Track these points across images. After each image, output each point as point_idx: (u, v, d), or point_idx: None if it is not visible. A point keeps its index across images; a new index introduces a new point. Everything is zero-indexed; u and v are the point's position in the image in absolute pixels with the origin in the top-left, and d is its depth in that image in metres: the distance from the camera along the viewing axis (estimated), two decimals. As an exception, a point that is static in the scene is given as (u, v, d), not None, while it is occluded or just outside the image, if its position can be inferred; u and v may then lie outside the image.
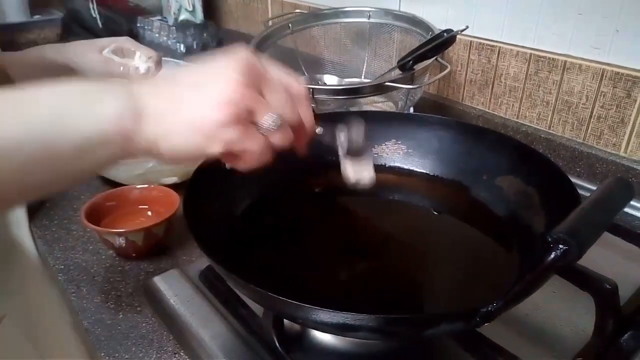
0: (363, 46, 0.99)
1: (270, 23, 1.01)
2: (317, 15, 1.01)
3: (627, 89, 0.68)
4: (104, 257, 0.60)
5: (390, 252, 0.53)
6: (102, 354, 0.47)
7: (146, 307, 0.53)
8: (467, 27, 0.76)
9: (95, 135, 0.32)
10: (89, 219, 0.58)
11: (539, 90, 0.79)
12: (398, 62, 0.75)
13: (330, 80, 1.00)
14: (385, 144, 0.66)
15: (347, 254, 0.53)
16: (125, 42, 0.73)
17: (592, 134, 0.74)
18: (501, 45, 0.82)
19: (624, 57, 0.68)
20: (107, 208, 0.62)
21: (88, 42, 0.72)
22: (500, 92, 0.85)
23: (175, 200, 0.61)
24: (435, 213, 0.59)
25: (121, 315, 0.51)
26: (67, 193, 0.73)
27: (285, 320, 0.43)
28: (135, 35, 1.58)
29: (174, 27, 1.45)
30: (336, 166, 0.65)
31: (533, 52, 0.78)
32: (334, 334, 0.44)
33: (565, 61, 0.74)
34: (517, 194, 0.55)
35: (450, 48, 0.86)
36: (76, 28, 1.55)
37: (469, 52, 0.87)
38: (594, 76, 0.72)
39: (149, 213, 0.64)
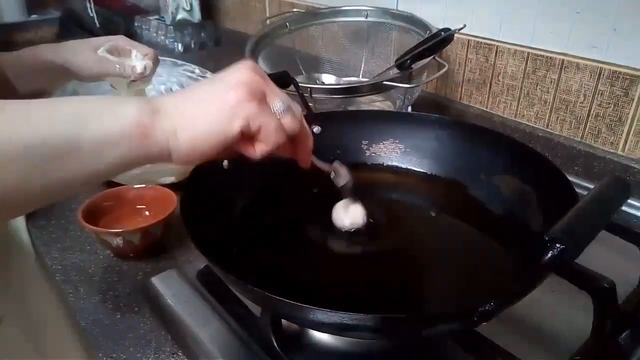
0: (361, 45, 0.99)
1: (268, 22, 1.01)
2: (314, 15, 1.00)
3: (625, 88, 0.69)
4: (101, 257, 0.60)
5: (388, 252, 0.53)
6: (100, 355, 0.47)
7: (144, 307, 0.52)
8: (465, 25, 0.76)
9: (114, 131, 0.34)
10: (86, 219, 0.57)
11: (536, 89, 0.79)
12: (396, 61, 0.75)
13: (328, 79, 1.00)
14: (383, 143, 0.66)
15: (345, 254, 0.53)
16: (120, 40, 0.73)
17: (590, 133, 0.74)
18: (499, 44, 0.82)
19: (621, 56, 0.68)
20: (105, 208, 0.62)
21: (83, 42, 0.72)
22: (498, 90, 0.85)
23: (172, 200, 0.61)
24: (432, 212, 0.59)
25: (119, 316, 0.51)
26: (65, 193, 0.73)
27: (283, 320, 0.43)
28: (132, 35, 1.58)
29: (172, 27, 1.45)
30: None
31: (531, 50, 0.78)
32: (332, 334, 0.44)
33: (563, 60, 0.74)
34: (515, 193, 0.55)
35: (448, 47, 0.86)
36: (73, 27, 1.55)
37: (467, 51, 0.87)
38: (591, 75, 0.72)
39: (147, 213, 0.64)
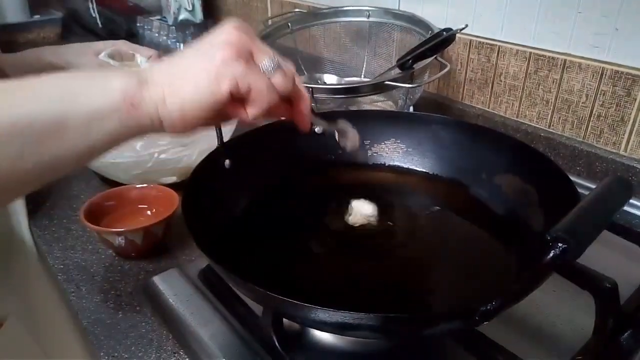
0: (363, 45, 0.99)
1: (269, 22, 1.01)
2: (316, 15, 1.00)
3: (627, 88, 0.68)
4: (103, 256, 0.60)
5: (389, 251, 0.53)
6: (102, 354, 0.47)
7: (146, 306, 0.52)
8: (467, 25, 0.76)
9: (103, 105, 0.33)
10: (88, 218, 0.58)
11: (538, 89, 0.79)
12: (397, 61, 0.75)
13: (330, 79, 1.00)
14: (385, 143, 0.66)
15: (346, 253, 0.53)
16: (122, 45, 0.73)
17: (592, 133, 0.74)
18: (501, 44, 0.82)
19: (623, 56, 0.68)
20: (107, 208, 0.62)
21: (85, 45, 0.73)
22: (500, 91, 0.85)
23: (174, 200, 0.61)
24: (434, 212, 0.59)
25: (120, 315, 0.51)
26: (67, 192, 0.74)
27: (284, 320, 0.43)
28: (134, 35, 1.58)
29: (174, 27, 1.45)
30: (335, 166, 0.66)
31: (533, 50, 0.78)
32: (333, 333, 0.44)
33: (565, 60, 0.74)
34: (516, 193, 0.55)
35: (450, 47, 0.86)
36: (76, 28, 1.55)
37: (469, 51, 0.87)
38: (593, 75, 0.71)
39: (149, 212, 0.64)
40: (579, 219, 0.32)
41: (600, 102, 0.72)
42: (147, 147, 0.66)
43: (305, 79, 0.98)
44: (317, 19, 1.00)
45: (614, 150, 0.72)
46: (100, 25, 1.51)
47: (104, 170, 0.72)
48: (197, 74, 0.35)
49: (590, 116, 0.74)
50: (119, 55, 0.73)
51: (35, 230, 0.66)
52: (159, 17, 1.53)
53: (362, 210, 0.58)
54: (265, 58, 0.37)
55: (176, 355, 0.47)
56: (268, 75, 0.37)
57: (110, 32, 1.53)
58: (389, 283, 0.49)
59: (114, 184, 0.70)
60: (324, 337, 0.46)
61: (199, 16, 1.48)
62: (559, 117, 0.78)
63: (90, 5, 1.48)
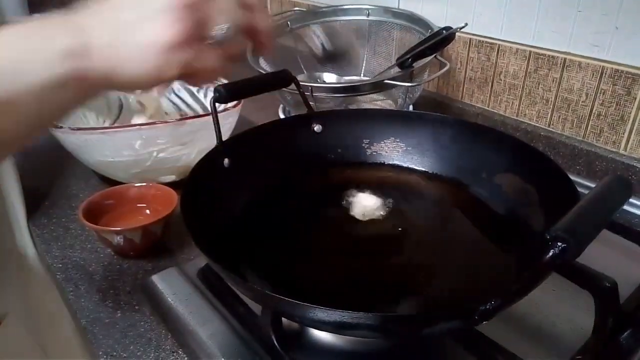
0: (362, 44, 0.99)
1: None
2: (315, 13, 1.00)
3: (627, 87, 0.68)
4: (102, 255, 0.60)
5: (388, 250, 0.53)
6: (100, 353, 0.47)
7: (144, 305, 0.52)
8: (466, 24, 0.76)
9: (50, 81, 0.32)
10: (87, 217, 0.57)
11: (538, 88, 0.79)
12: (397, 59, 0.75)
13: (330, 78, 1.00)
14: (384, 142, 0.66)
15: (346, 253, 0.53)
16: None
17: (592, 132, 0.74)
18: (501, 42, 0.82)
19: (623, 55, 0.68)
20: (105, 206, 0.62)
21: None
22: (500, 89, 0.85)
23: (173, 199, 0.61)
24: (433, 211, 0.59)
25: (119, 314, 0.51)
26: (66, 191, 0.73)
27: (283, 319, 0.43)
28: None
29: (173, 25, 1.45)
30: (334, 165, 0.66)
31: (532, 49, 0.78)
32: (332, 333, 0.44)
33: (565, 59, 0.74)
34: (516, 192, 0.55)
35: (450, 46, 0.86)
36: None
37: (469, 50, 0.87)
38: (593, 74, 0.71)
39: (147, 211, 0.64)
40: (578, 219, 0.32)
41: (600, 101, 0.72)
42: (146, 146, 0.65)
43: (305, 78, 0.98)
44: (317, 18, 1.00)
45: (614, 149, 0.72)
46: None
47: (103, 169, 0.72)
48: (142, 55, 0.33)
49: (590, 115, 0.74)
50: None
51: (34, 229, 0.66)
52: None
53: (365, 203, 0.58)
54: (218, 28, 0.35)
55: (175, 354, 0.46)
56: (220, 45, 0.36)
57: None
58: (388, 282, 0.49)
59: (113, 182, 0.70)
60: (323, 336, 0.46)
61: (198, 15, 1.47)
62: (559, 116, 0.77)
63: (90, 4, 1.48)
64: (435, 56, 0.75)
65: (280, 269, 0.51)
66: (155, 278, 0.54)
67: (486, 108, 0.88)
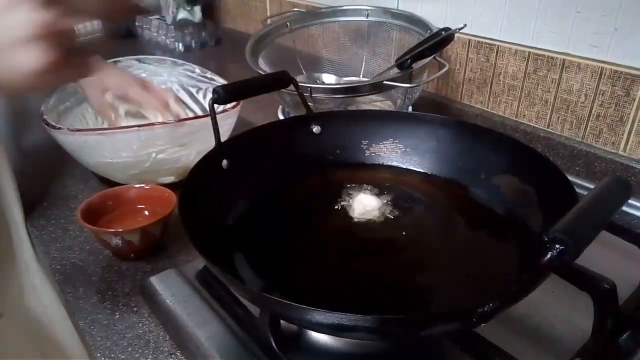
0: (361, 45, 0.99)
1: (268, 21, 1.01)
2: (315, 14, 1.00)
3: (626, 88, 0.68)
4: (100, 257, 0.60)
5: (387, 252, 0.53)
6: (98, 355, 0.46)
7: (143, 307, 0.52)
8: (465, 25, 0.76)
9: None
10: (85, 218, 0.57)
11: (537, 89, 0.79)
12: (396, 60, 0.75)
13: (329, 79, 1.00)
14: (383, 143, 0.66)
15: (344, 254, 0.53)
16: (131, 87, 0.71)
17: (591, 133, 0.74)
18: (500, 43, 0.82)
19: (622, 56, 0.68)
20: (104, 208, 0.62)
21: (97, 78, 0.71)
22: (499, 90, 0.85)
23: (172, 200, 0.60)
24: (432, 212, 0.59)
25: (117, 316, 0.51)
26: (64, 192, 0.73)
27: (282, 321, 0.43)
28: (133, 35, 1.58)
29: (172, 26, 1.45)
30: (333, 166, 0.66)
31: (532, 50, 0.78)
32: (330, 335, 0.44)
33: (564, 59, 0.74)
34: (515, 193, 0.55)
35: (449, 47, 0.86)
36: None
37: (468, 51, 0.87)
38: (592, 74, 0.71)
39: (146, 212, 0.64)
40: (576, 220, 0.32)
41: (599, 102, 0.72)
42: (144, 147, 0.65)
43: (304, 79, 0.98)
44: (316, 19, 1.00)
45: (613, 150, 0.72)
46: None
47: (102, 170, 0.72)
48: (18, 75, 0.34)
49: (589, 116, 0.74)
50: (126, 99, 0.72)
51: (32, 230, 0.65)
52: (157, 16, 1.53)
53: (364, 204, 0.58)
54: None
55: (173, 356, 0.46)
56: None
57: (108, 32, 1.52)
58: (387, 283, 0.49)
59: (112, 184, 0.70)
60: (321, 338, 0.45)
61: (197, 16, 1.48)
62: (558, 117, 0.77)
63: (89, 5, 1.48)
64: (434, 57, 0.75)
65: (278, 270, 0.51)
66: (154, 279, 0.54)
67: (485, 109, 0.88)
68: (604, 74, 0.70)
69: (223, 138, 0.58)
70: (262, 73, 0.80)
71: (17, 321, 0.56)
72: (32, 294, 0.60)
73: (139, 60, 0.93)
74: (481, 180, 0.59)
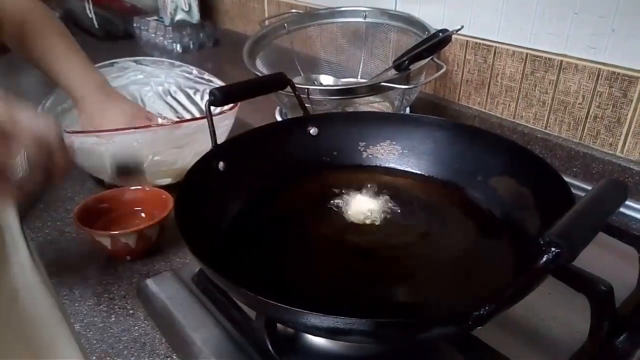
0: (359, 46, 0.99)
1: (266, 23, 1.00)
2: (313, 15, 1.00)
3: (624, 89, 0.68)
4: (97, 259, 0.60)
5: (384, 254, 0.53)
6: (94, 358, 0.46)
7: (139, 309, 0.52)
8: (462, 27, 0.76)
9: None
10: (81, 220, 0.57)
11: (535, 90, 0.79)
12: (394, 62, 0.75)
13: (327, 80, 1.00)
14: (380, 145, 0.66)
15: (341, 256, 0.53)
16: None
17: (589, 134, 0.74)
18: (497, 45, 0.82)
19: (620, 57, 0.68)
20: (101, 210, 0.62)
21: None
22: (497, 92, 0.84)
23: (168, 202, 0.60)
24: (429, 214, 0.59)
25: (113, 318, 0.51)
26: (61, 194, 0.73)
27: (278, 324, 0.43)
28: (131, 36, 1.57)
29: (170, 27, 1.45)
30: (330, 168, 0.66)
31: (529, 51, 0.78)
32: (326, 338, 0.44)
33: (562, 61, 0.74)
34: (512, 195, 0.55)
35: (447, 48, 0.86)
36: (72, 28, 1.54)
37: (465, 52, 0.87)
38: (590, 76, 0.71)
39: (143, 215, 0.64)
40: (572, 223, 0.32)
41: (597, 104, 0.72)
42: (142, 149, 0.65)
43: (302, 80, 0.98)
44: (314, 20, 1.00)
45: (611, 152, 0.72)
46: (96, 26, 1.51)
47: (99, 172, 0.72)
48: None
49: (586, 117, 0.73)
50: None
51: (28, 232, 0.65)
52: (155, 17, 1.53)
53: (361, 206, 0.58)
54: (14, 169, 0.40)
55: (169, 359, 0.46)
56: (17, 180, 0.41)
57: (107, 33, 1.53)
58: (384, 286, 0.48)
59: (108, 186, 0.70)
60: (318, 341, 0.45)
61: (195, 17, 1.48)
62: (556, 118, 0.77)
63: (87, 6, 1.48)
64: (432, 58, 0.75)
65: (274, 272, 0.50)
66: (150, 282, 0.53)
67: (483, 110, 0.88)
68: (602, 75, 0.70)
69: (221, 139, 0.58)
70: (260, 74, 0.80)
71: (10, 323, 0.56)
72: (26, 297, 0.59)
73: (136, 62, 0.93)
74: (478, 182, 0.59)
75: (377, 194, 0.61)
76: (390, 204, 0.59)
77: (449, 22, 0.88)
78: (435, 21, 0.87)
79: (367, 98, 0.82)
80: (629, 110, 0.69)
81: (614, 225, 0.56)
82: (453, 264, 0.51)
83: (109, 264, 0.59)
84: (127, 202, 0.64)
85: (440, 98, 0.95)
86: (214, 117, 0.56)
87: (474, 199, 0.58)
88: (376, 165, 0.66)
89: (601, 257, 0.55)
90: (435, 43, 0.73)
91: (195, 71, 0.92)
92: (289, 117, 0.86)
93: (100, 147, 0.65)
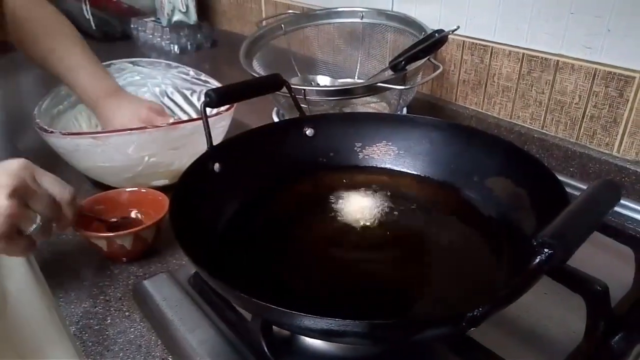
0: (356, 46, 0.99)
1: (263, 23, 1.00)
2: (310, 16, 1.00)
3: (620, 89, 0.68)
4: (93, 261, 0.60)
5: (380, 255, 0.53)
6: (89, 360, 0.46)
7: (135, 312, 0.52)
8: (458, 27, 0.76)
9: None
10: (78, 222, 0.57)
11: (531, 90, 0.79)
12: (390, 62, 0.75)
13: (324, 81, 1.00)
14: (377, 146, 0.66)
15: (337, 257, 0.53)
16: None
17: (585, 134, 0.74)
18: (494, 45, 0.82)
19: (616, 57, 0.68)
20: (97, 211, 0.62)
21: (109, 120, 0.74)
22: (494, 92, 0.84)
23: (165, 203, 0.60)
24: (425, 214, 0.59)
25: (109, 321, 0.51)
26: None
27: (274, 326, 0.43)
28: (129, 37, 1.57)
29: (168, 28, 1.45)
30: (326, 169, 0.66)
31: (526, 51, 0.78)
32: (321, 340, 0.44)
33: (558, 61, 0.74)
34: (508, 196, 0.55)
35: (444, 48, 0.86)
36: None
37: (462, 52, 0.87)
38: (586, 76, 0.71)
39: (140, 216, 0.64)
40: (565, 224, 0.32)
41: (593, 103, 0.72)
42: (138, 151, 0.65)
43: (299, 81, 0.98)
44: (311, 20, 1.00)
45: (607, 152, 0.72)
46: (94, 27, 1.51)
47: (95, 174, 0.72)
48: None
49: (583, 117, 0.74)
50: None
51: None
52: (153, 18, 1.52)
53: (357, 206, 0.58)
54: (30, 225, 0.46)
55: (164, 361, 0.46)
56: (31, 234, 0.47)
57: (104, 34, 1.52)
58: (379, 286, 0.48)
59: (106, 187, 0.69)
60: (313, 342, 0.45)
61: (193, 17, 1.48)
62: (552, 118, 0.77)
63: (84, 7, 1.48)
64: (428, 59, 0.75)
65: (270, 274, 0.50)
66: (146, 284, 0.53)
67: (480, 110, 0.88)
68: (598, 75, 0.70)
69: (217, 140, 0.58)
70: (257, 75, 0.80)
71: (6, 326, 0.56)
72: (18, 298, 0.59)
73: (132, 63, 0.93)
74: (474, 183, 0.59)
75: (373, 194, 0.61)
76: (386, 205, 0.59)
77: (446, 22, 0.88)
78: (432, 21, 0.87)
79: (364, 99, 0.82)
80: (625, 110, 0.69)
81: (610, 225, 0.56)
82: (449, 265, 0.51)
83: (105, 265, 0.59)
84: (124, 204, 0.64)
85: (438, 98, 0.95)
86: (210, 118, 0.56)
87: (470, 200, 0.58)
88: (372, 166, 0.66)
89: (597, 257, 0.55)
90: (431, 43, 0.73)
91: (192, 72, 0.92)
92: (286, 117, 0.86)
93: (97, 148, 0.65)
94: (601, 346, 0.43)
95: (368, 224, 0.56)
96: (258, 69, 0.87)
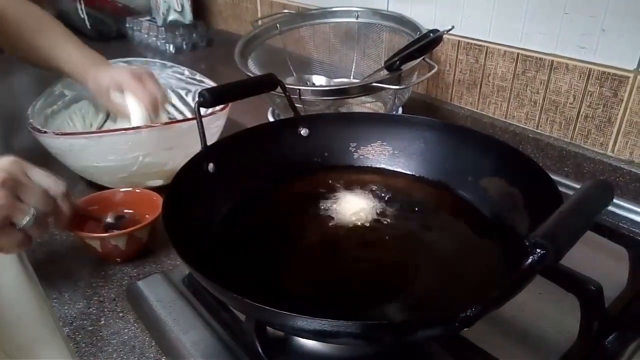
0: (352, 46, 0.99)
1: (259, 23, 1.00)
2: (305, 16, 1.00)
3: (614, 89, 0.68)
4: (87, 261, 0.59)
5: (374, 254, 0.53)
6: (83, 362, 0.46)
7: (129, 312, 0.52)
8: (453, 27, 0.76)
9: None
10: (72, 223, 0.57)
11: (526, 90, 0.79)
12: (385, 62, 0.75)
13: (319, 80, 1.00)
14: (371, 145, 0.66)
15: (331, 257, 0.53)
16: (125, 80, 0.72)
17: (580, 134, 0.74)
18: (489, 45, 0.82)
19: (610, 56, 0.68)
20: (91, 212, 0.61)
21: (98, 84, 0.73)
22: (489, 91, 0.85)
23: (159, 204, 0.59)
24: (419, 214, 0.59)
25: (103, 322, 0.51)
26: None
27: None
28: (124, 36, 1.57)
29: (163, 28, 1.45)
30: (321, 169, 0.65)
31: (520, 51, 0.78)
32: (315, 340, 0.44)
33: (552, 61, 0.74)
34: (502, 196, 0.55)
35: (439, 48, 0.86)
36: (65, 29, 1.54)
37: (457, 52, 0.87)
38: (580, 75, 0.71)
39: (134, 217, 0.64)
40: (557, 224, 0.32)
41: (588, 103, 0.72)
42: (131, 151, 0.65)
43: (294, 80, 0.98)
44: (306, 20, 1.00)
45: (602, 151, 0.72)
46: (89, 27, 1.50)
47: (89, 174, 0.72)
48: None
49: (577, 117, 0.74)
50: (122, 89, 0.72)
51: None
52: (148, 18, 1.52)
53: (351, 206, 0.58)
54: (22, 218, 0.46)
55: (158, 362, 0.46)
56: (24, 229, 0.46)
57: (99, 34, 1.52)
58: (372, 286, 0.48)
59: (100, 187, 0.69)
60: (307, 343, 0.45)
61: (188, 17, 1.47)
62: (547, 118, 0.78)
63: (79, 6, 1.47)
64: (423, 59, 0.75)
65: (265, 274, 0.50)
66: (141, 284, 0.53)
67: (475, 110, 0.88)
68: (592, 75, 0.70)
69: (212, 140, 0.58)
70: (252, 75, 0.80)
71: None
72: (17, 301, 0.59)
73: (127, 63, 0.93)
74: (468, 183, 0.59)
75: (367, 194, 0.61)
76: (380, 205, 0.59)
77: (441, 21, 0.88)
78: (427, 21, 0.87)
79: (359, 98, 0.82)
80: (619, 109, 0.69)
81: (604, 225, 0.56)
82: (443, 265, 0.51)
83: (99, 266, 0.59)
84: (118, 204, 0.64)
85: (433, 98, 0.95)
86: (205, 118, 0.55)
87: (465, 200, 0.59)
88: (367, 166, 0.66)
89: (591, 257, 0.55)
90: (426, 43, 0.73)
91: (187, 72, 0.92)
92: (282, 117, 0.86)
93: (90, 148, 0.65)
94: (595, 346, 0.43)
95: (362, 223, 0.56)
96: (253, 69, 0.87)
